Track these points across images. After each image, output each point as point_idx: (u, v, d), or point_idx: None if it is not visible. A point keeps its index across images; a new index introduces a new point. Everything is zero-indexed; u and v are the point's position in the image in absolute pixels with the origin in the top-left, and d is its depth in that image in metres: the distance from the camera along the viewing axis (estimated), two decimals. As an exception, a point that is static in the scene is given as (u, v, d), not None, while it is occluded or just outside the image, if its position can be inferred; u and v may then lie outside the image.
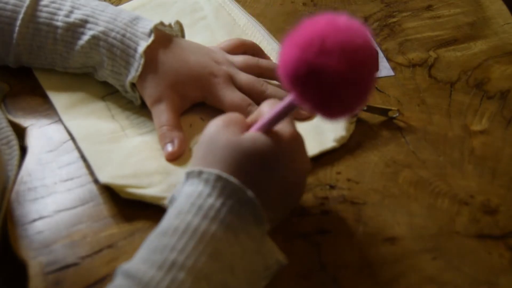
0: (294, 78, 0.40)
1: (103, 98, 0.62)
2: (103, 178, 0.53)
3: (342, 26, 0.39)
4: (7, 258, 0.49)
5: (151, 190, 0.52)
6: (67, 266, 0.48)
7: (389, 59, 0.69)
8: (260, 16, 0.73)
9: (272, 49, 0.67)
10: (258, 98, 0.59)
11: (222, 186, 0.42)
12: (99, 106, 0.62)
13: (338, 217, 0.52)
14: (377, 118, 0.61)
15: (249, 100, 0.59)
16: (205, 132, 0.46)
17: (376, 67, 0.43)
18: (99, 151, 0.56)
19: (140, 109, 0.61)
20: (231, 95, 0.59)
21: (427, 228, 0.51)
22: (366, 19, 0.75)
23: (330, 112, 0.41)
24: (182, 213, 0.41)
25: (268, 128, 0.45)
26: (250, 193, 0.42)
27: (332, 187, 0.54)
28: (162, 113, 0.58)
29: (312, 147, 0.56)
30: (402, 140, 0.59)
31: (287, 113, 0.45)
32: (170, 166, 0.55)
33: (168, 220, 0.42)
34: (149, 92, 0.58)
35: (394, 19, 0.75)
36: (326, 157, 0.57)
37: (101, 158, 0.55)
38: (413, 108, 0.62)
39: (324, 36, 0.39)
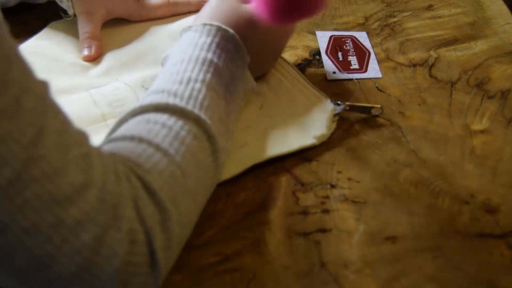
0: None
1: (87, 90, 0.62)
2: None
3: None
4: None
5: None
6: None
7: (389, 59, 0.69)
8: (261, 15, 0.73)
9: None
10: None
11: (208, 29, 0.54)
12: (83, 95, 0.61)
13: (338, 216, 0.52)
14: (378, 118, 0.61)
15: None
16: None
17: None
18: None
19: (124, 98, 0.61)
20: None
21: (427, 227, 0.51)
22: (366, 19, 0.75)
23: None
24: (184, 50, 0.53)
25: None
26: (231, 31, 0.54)
27: (333, 186, 0.54)
28: (87, 23, 0.67)
29: (293, 142, 0.57)
30: (403, 139, 0.59)
31: None
32: None
33: (173, 59, 0.53)
34: (80, 1, 0.66)
35: (395, 19, 0.75)
36: (327, 156, 0.57)
37: None
38: (413, 107, 0.63)
39: None
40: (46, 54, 0.66)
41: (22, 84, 0.34)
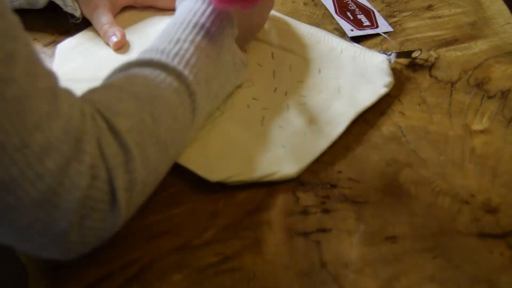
0: None
1: None
2: (214, 178, 0.53)
3: None
4: (7, 256, 0.49)
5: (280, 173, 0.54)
6: (68, 264, 0.48)
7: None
8: (261, 15, 0.73)
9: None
10: None
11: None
12: None
13: (339, 216, 0.52)
14: (378, 118, 0.61)
15: None
16: None
17: None
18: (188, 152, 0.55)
19: None
20: None
21: (427, 227, 0.51)
22: (366, 19, 0.75)
23: None
24: (178, 16, 0.55)
25: None
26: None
27: (333, 186, 0.54)
28: (100, 16, 0.67)
29: (368, 95, 0.61)
30: (403, 139, 0.59)
31: None
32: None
33: (170, 22, 0.55)
34: (84, 2, 0.67)
35: (395, 19, 0.75)
36: (327, 156, 0.57)
37: (198, 160, 0.54)
38: (413, 107, 0.63)
39: None
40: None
41: None
